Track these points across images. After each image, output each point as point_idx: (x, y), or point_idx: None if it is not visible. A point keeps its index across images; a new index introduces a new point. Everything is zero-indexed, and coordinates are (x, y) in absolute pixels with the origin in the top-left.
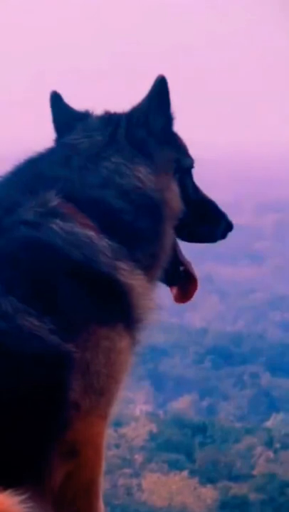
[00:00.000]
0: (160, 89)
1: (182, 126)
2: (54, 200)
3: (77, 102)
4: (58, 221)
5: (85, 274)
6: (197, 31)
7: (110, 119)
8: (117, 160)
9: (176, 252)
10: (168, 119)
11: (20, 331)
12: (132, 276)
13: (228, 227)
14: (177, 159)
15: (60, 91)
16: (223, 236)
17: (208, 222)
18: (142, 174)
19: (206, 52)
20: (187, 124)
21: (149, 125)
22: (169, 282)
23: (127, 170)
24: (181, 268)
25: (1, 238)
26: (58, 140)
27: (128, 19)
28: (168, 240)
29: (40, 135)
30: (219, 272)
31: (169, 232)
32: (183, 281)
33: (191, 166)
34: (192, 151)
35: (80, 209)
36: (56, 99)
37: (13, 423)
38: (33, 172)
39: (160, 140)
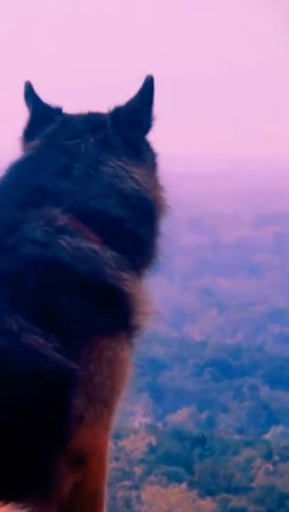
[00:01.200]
0: (150, 89)
1: (183, 141)
2: (61, 219)
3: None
4: (66, 237)
5: (91, 287)
6: (197, 39)
7: (96, 119)
8: (115, 163)
9: None
10: (152, 119)
11: (25, 349)
12: (133, 286)
13: None
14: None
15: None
16: None
17: None
18: (138, 175)
19: (207, 63)
20: (188, 138)
21: (142, 124)
22: None
23: (125, 172)
24: None
25: (5, 256)
26: (28, 133)
27: (126, 21)
28: (160, 238)
29: None
30: (218, 285)
31: (159, 231)
32: None
33: None
34: (194, 166)
35: (85, 223)
36: (31, 90)
37: (18, 438)
38: (33, 184)
39: (147, 139)
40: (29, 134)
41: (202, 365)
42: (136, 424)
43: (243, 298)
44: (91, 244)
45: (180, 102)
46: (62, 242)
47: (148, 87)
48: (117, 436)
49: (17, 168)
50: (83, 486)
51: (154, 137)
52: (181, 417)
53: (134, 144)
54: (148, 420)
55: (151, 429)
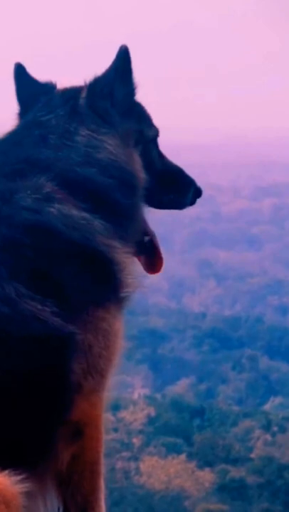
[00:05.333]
0: (124, 59)
1: (182, 113)
2: (47, 186)
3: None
4: (55, 205)
5: (84, 255)
6: (199, 10)
7: (70, 93)
8: (85, 132)
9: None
10: (131, 89)
11: (23, 316)
12: (123, 254)
13: (197, 193)
14: (140, 130)
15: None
16: (192, 203)
17: (175, 190)
18: (112, 146)
19: (207, 35)
20: (187, 110)
21: (114, 96)
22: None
23: (98, 142)
24: (146, 238)
25: (2, 225)
26: (21, 114)
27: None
28: (142, 213)
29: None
30: (217, 256)
31: (142, 204)
32: (149, 252)
33: (156, 136)
34: (193, 137)
35: (71, 191)
36: (20, 71)
37: (18, 406)
38: (18, 156)
39: (123, 111)
40: (22, 114)
41: (201, 336)
42: (135, 396)
43: (241, 269)
44: (81, 213)
45: (178, 74)
46: (52, 210)
47: (121, 57)
48: (116, 408)
49: (1, 144)
50: (82, 456)
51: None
52: (180, 388)
53: (103, 114)
54: (147, 391)
55: (150, 400)
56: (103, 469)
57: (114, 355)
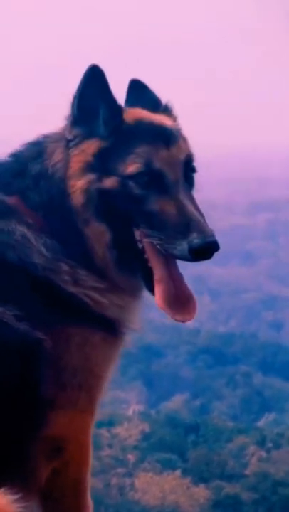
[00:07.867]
0: (88, 78)
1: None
2: None
3: None
4: None
5: (25, 278)
6: (197, 29)
7: None
8: (34, 146)
9: (145, 259)
10: (103, 109)
11: None
12: (75, 277)
13: (193, 251)
14: (113, 160)
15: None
16: (192, 257)
17: (160, 234)
18: (53, 161)
19: (205, 53)
20: (183, 125)
21: (71, 114)
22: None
23: (39, 153)
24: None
25: None
26: None
27: (130, 14)
28: (92, 238)
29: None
30: (211, 272)
31: (89, 229)
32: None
33: (137, 174)
34: None
35: (21, 204)
36: (137, 87)
37: None
38: None
39: (86, 130)
40: None
41: (195, 352)
42: (129, 412)
43: (235, 285)
44: (22, 228)
45: (176, 91)
46: None
47: (86, 77)
48: (111, 424)
49: None
50: (63, 473)
51: None
52: (175, 404)
53: (65, 131)
54: (141, 407)
55: (144, 416)
56: (89, 486)
57: (96, 367)
